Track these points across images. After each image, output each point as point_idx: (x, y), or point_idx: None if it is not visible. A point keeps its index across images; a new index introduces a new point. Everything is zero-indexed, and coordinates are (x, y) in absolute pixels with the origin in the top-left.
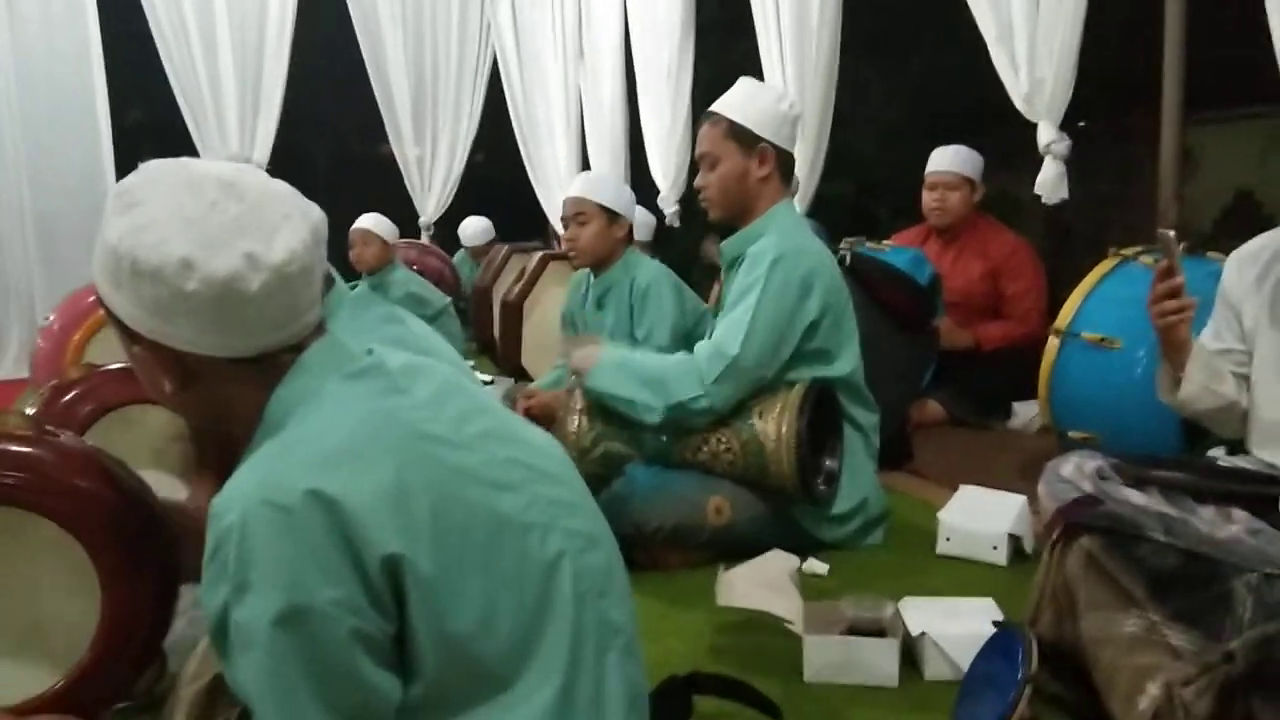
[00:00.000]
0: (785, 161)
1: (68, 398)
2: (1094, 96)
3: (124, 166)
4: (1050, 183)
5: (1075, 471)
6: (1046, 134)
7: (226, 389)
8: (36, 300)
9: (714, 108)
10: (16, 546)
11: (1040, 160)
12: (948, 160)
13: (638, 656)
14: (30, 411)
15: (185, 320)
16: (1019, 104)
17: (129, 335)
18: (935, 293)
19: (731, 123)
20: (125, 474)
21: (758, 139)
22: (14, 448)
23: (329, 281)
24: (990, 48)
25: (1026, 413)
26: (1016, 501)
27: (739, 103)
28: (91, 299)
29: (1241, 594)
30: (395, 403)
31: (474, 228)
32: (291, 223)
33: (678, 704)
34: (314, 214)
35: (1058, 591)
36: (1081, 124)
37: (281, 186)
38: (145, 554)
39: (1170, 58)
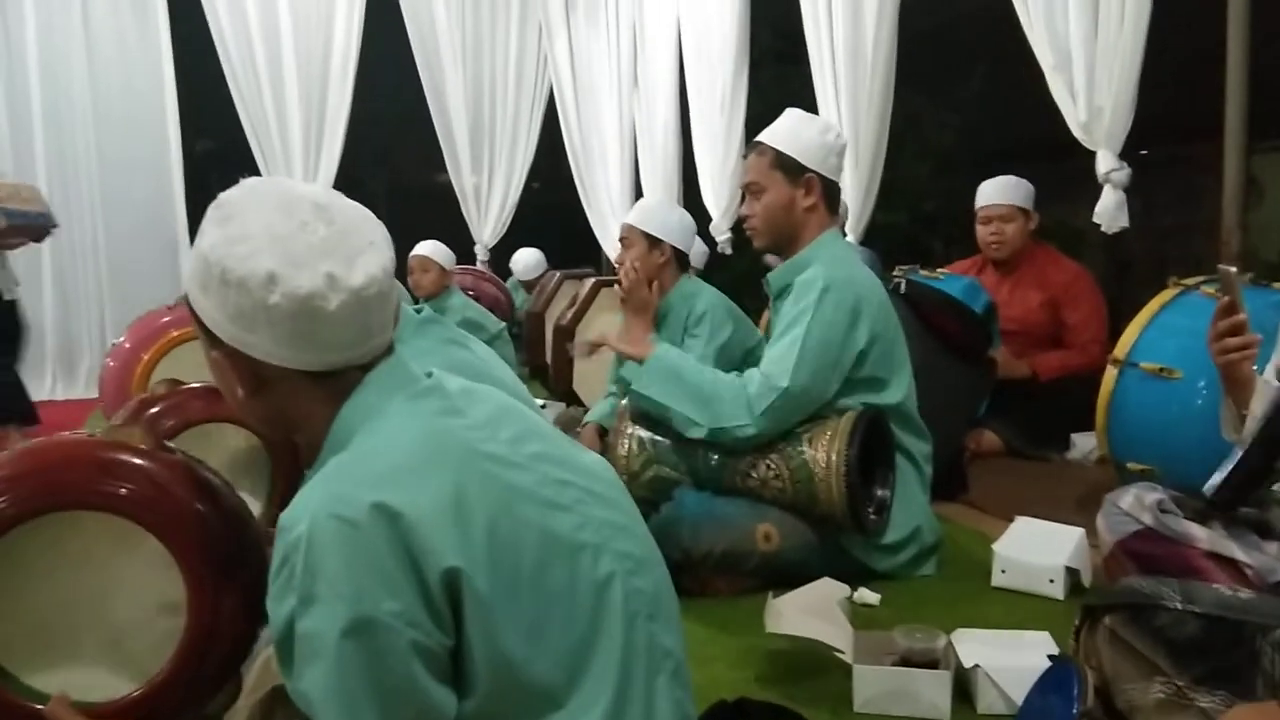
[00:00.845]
0: (831, 191)
1: (151, 412)
2: (1156, 124)
3: (193, 194)
4: (1109, 212)
5: (1135, 504)
6: (1105, 162)
7: (295, 400)
8: (107, 324)
9: (760, 138)
10: (115, 552)
11: (1100, 189)
12: (999, 192)
13: (686, 682)
14: (116, 423)
15: (264, 331)
16: (1077, 132)
17: (210, 339)
18: (991, 321)
19: (778, 153)
20: (226, 491)
21: (804, 169)
22: (124, 458)
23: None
24: (1047, 75)
25: (1085, 444)
26: (1074, 534)
27: (785, 133)
28: (164, 320)
29: (1268, 651)
30: (454, 423)
31: (525, 261)
32: (375, 249)
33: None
34: (388, 238)
35: (1091, 668)
36: (1143, 152)
37: (367, 214)
38: (235, 573)
39: (1233, 84)
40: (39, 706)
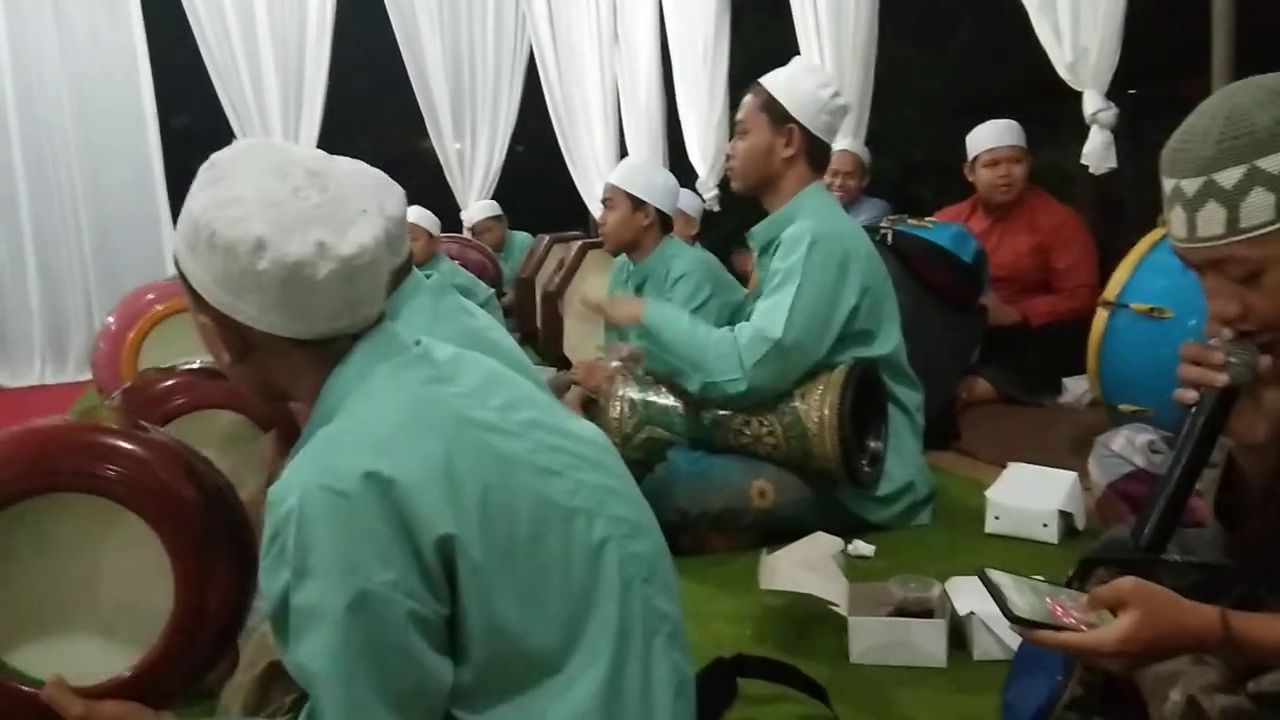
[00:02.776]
0: (815, 147)
1: (147, 396)
2: (1144, 64)
3: (172, 171)
4: (1097, 153)
5: (1126, 446)
6: (1092, 103)
7: (282, 366)
8: (94, 304)
9: (761, 80)
10: (100, 534)
11: (1088, 131)
12: (1004, 134)
13: (684, 644)
14: (109, 404)
15: (252, 296)
16: (1063, 73)
17: (198, 303)
18: (981, 269)
19: (769, 97)
20: (209, 471)
21: (789, 117)
22: (106, 439)
23: (405, 269)
24: (1032, 17)
25: (1077, 388)
26: (1067, 478)
27: (782, 80)
28: (149, 297)
29: (1265, 596)
30: (442, 390)
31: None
32: (367, 218)
33: (723, 686)
34: (391, 209)
35: None
36: (1131, 92)
37: (366, 181)
38: (222, 551)
39: (1220, 20)
40: (34, 690)
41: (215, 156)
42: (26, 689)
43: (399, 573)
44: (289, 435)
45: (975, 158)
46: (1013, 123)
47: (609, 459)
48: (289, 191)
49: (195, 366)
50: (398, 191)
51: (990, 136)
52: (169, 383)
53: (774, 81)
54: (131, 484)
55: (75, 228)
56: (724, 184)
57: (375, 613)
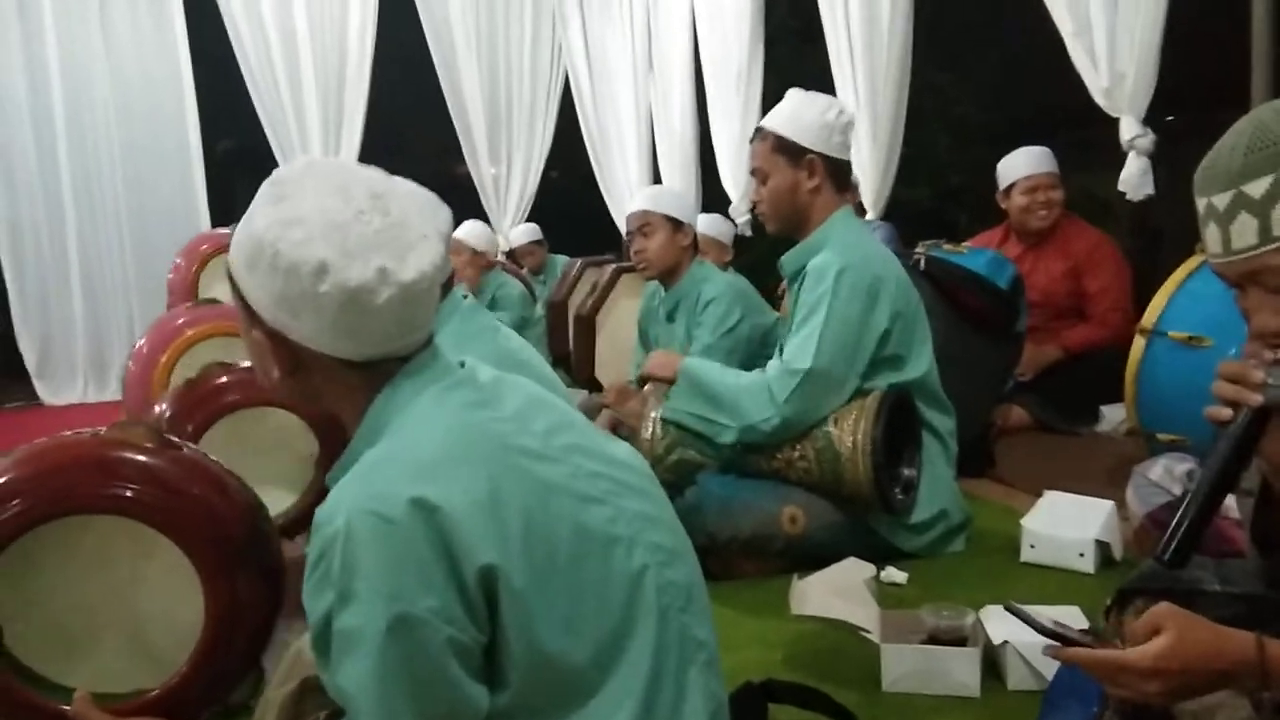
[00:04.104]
0: (837, 170)
1: (203, 391)
2: (1182, 90)
3: (215, 193)
4: (1134, 179)
5: (1164, 475)
6: (1129, 129)
7: (330, 384)
8: (136, 325)
9: (762, 123)
10: (130, 551)
11: (1124, 157)
12: (1040, 161)
13: (718, 672)
14: (162, 409)
15: (309, 317)
16: (1099, 99)
17: (251, 318)
18: (1017, 295)
19: (778, 137)
20: (240, 488)
21: (805, 151)
22: (137, 458)
23: (446, 287)
24: (1067, 42)
25: (1115, 416)
26: (1104, 507)
27: (785, 116)
28: (180, 321)
29: None
30: (485, 415)
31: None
32: (427, 243)
33: (753, 711)
34: (446, 230)
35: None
36: (1169, 118)
37: (424, 204)
38: (249, 564)
39: (1259, 48)
40: (64, 706)
41: (278, 173)
42: (57, 704)
43: (441, 600)
44: (336, 441)
45: (1011, 185)
46: (1046, 149)
47: (648, 485)
48: (352, 214)
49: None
50: (446, 211)
51: (1027, 164)
52: (224, 379)
53: (777, 120)
54: (156, 504)
55: (119, 248)
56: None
57: (415, 638)
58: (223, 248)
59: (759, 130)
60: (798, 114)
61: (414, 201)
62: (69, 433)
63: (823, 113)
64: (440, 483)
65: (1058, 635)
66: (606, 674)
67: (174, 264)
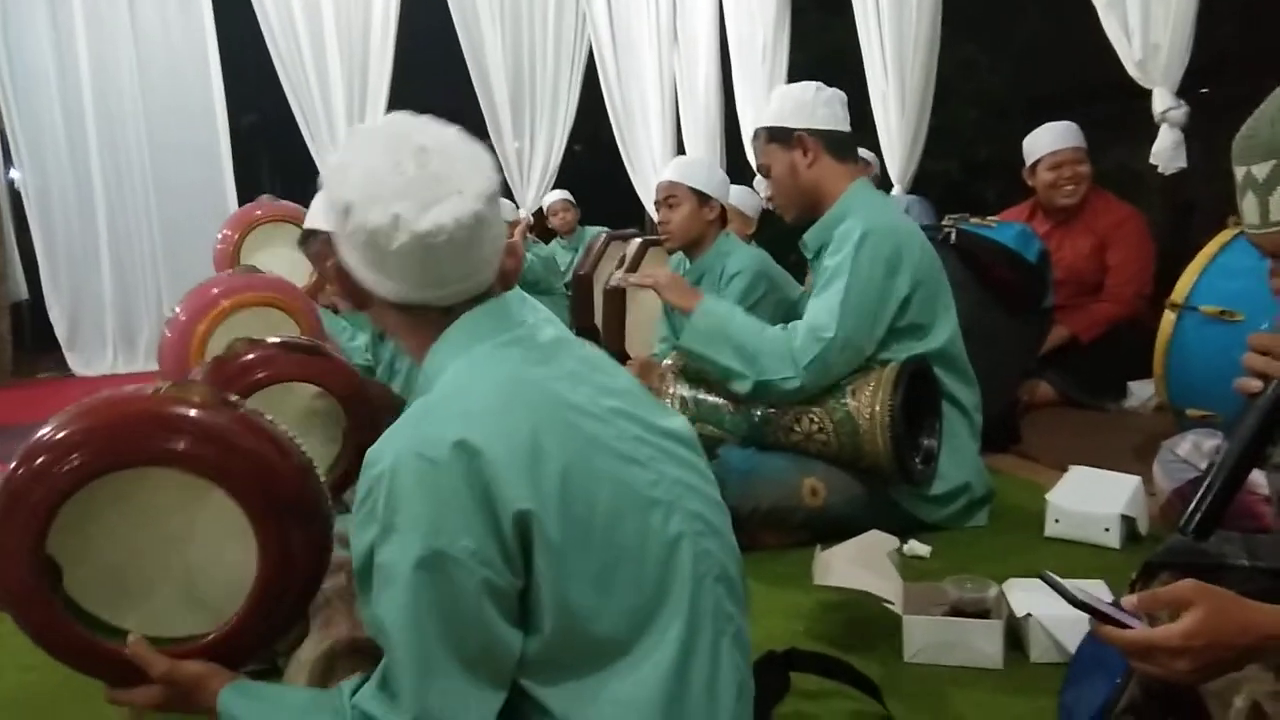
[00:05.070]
0: (831, 140)
1: (232, 368)
2: (1216, 62)
3: (240, 168)
4: (1167, 152)
5: (1192, 450)
6: (1162, 101)
7: (388, 322)
8: (164, 297)
9: (756, 126)
10: (185, 502)
11: (1157, 130)
12: (1066, 136)
13: (747, 646)
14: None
15: (351, 253)
16: (1132, 71)
17: (334, 250)
18: (1045, 269)
19: (767, 129)
20: (292, 445)
21: (791, 131)
22: (192, 413)
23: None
24: (1100, 13)
25: (1143, 392)
26: (1130, 482)
27: (771, 109)
28: (215, 291)
29: None
30: (539, 372)
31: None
32: (458, 199)
33: (775, 680)
34: (485, 190)
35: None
36: (1203, 91)
37: (471, 163)
38: (301, 518)
39: None
40: (119, 646)
41: (360, 125)
42: (113, 646)
43: (478, 542)
44: (364, 415)
45: (1037, 161)
46: (1072, 124)
47: (694, 457)
48: (390, 165)
49: (280, 340)
50: (492, 173)
51: (1051, 140)
52: (253, 355)
53: (765, 117)
54: (210, 457)
55: (147, 223)
56: None
57: (451, 576)
58: (264, 219)
59: (755, 133)
60: (780, 103)
61: (462, 160)
62: (130, 388)
63: (800, 92)
64: (483, 429)
65: (1089, 608)
66: (639, 635)
67: (221, 234)
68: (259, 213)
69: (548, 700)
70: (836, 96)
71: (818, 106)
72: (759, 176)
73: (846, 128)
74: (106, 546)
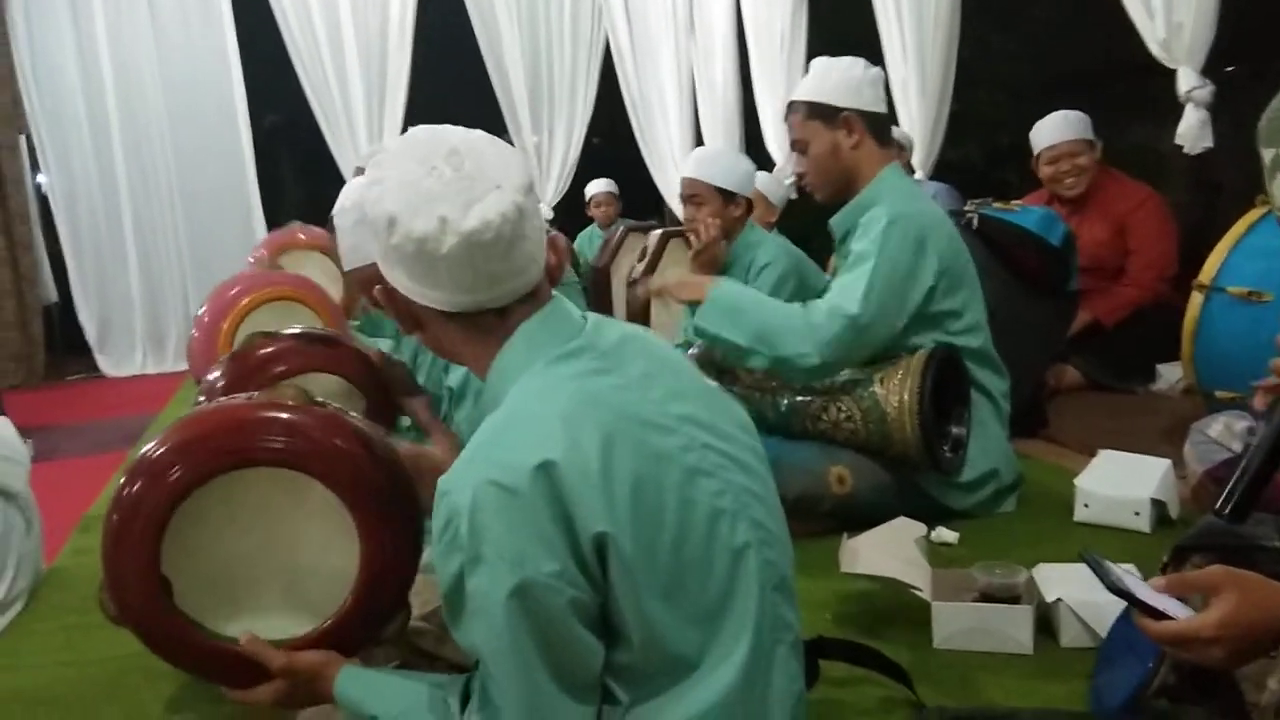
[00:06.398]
0: (875, 123)
1: (252, 361)
2: (1242, 39)
3: (262, 168)
4: (1192, 132)
5: (1224, 432)
6: (1186, 80)
7: (445, 337)
8: (190, 298)
9: (792, 96)
10: (287, 503)
11: (1182, 110)
12: (1063, 128)
13: (801, 655)
14: (214, 377)
15: (398, 269)
16: (1155, 50)
17: (380, 276)
18: (1070, 252)
19: (809, 103)
20: (377, 438)
21: (838, 110)
22: (282, 415)
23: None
24: None
25: (1172, 375)
26: (1160, 465)
27: (813, 83)
28: (234, 291)
29: None
30: (606, 382)
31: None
32: (498, 194)
33: (805, 668)
34: (522, 183)
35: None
36: (1229, 69)
37: (504, 159)
38: (397, 511)
39: None
40: (234, 645)
41: (383, 145)
42: (230, 647)
43: (561, 563)
44: (382, 402)
45: (1039, 154)
46: (1071, 114)
47: (755, 460)
48: (425, 171)
49: (298, 331)
50: (524, 166)
51: (1050, 133)
52: (271, 348)
53: (806, 89)
54: (307, 453)
55: (172, 224)
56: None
57: (541, 602)
58: (299, 244)
59: (791, 104)
60: (824, 77)
61: (493, 157)
62: (223, 399)
63: (848, 70)
64: (556, 453)
65: (1127, 595)
66: (705, 646)
67: (255, 254)
68: (301, 236)
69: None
70: (880, 76)
71: (864, 86)
72: (778, 166)
73: (885, 109)
74: (213, 554)
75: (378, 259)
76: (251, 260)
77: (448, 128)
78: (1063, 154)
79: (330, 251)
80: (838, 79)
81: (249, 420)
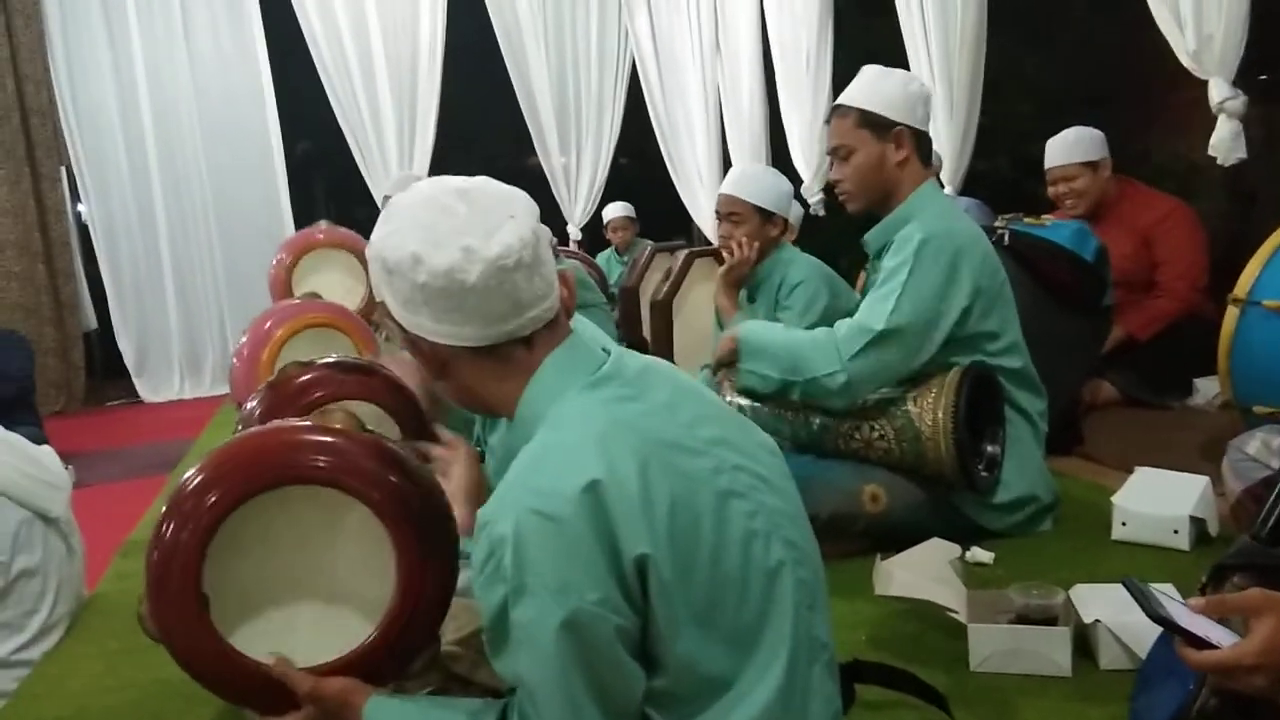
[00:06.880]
0: (921, 142)
1: (288, 391)
2: (1275, 48)
3: (295, 194)
4: (1225, 143)
5: (1262, 448)
6: (1219, 91)
7: (473, 379)
8: (227, 323)
9: (841, 99)
10: (323, 526)
11: (1215, 121)
12: (1063, 151)
13: (836, 674)
14: (251, 406)
15: (424, 311)
16: (1186, 62)
17: (400, 329)
18: (1103, 267)
19: (862, 111)
20: (418, 465)
21: (892, 124)
22: (321, 438)
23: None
24: (1151, 4)
25: (1210, 389)
26: (1198, 483)
27: (866, 90)
28: (268, 324)
29: None
30: (634, 409)
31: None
32: (512, 223)
33: (840, 692)
34: (529, 211)
35: None
36: (1262, 78)
37: (508, 194)
38: (433, 539)
39: None
40: (265, 666)
41: (392, 200)
42: (262, 671)
43: (605, 590)
44: (416, 429)
45: (1045, 173)
46: (1073, 135)
47: (784, 481)
48: (438, 211)
49: (333, 360)
50: (528, 200)
51: (1051, 155)
52: (307, 377)
53: (859, 96)
54: (345, 472)
55: (209, 251)
56: (828, 188)
57: (589, 630)
58: (322, 243)
59: (839, 108)
60: (878, 88)
61: (499, 191)
62: (269, 423)
63: (904, 84)
64: (600, 472)
65: (1168, 623)
66: (740, 668)
67: (276, 258)
68: (320, 236)
69: None
70: (928, 96)
71: (917, 104)
72: (805, 184)
73: (929, 129)
74: (246, 573)
75: (398, 308)
76: (274, 266)
77: (446, 176)
78: (1059, 178)
79: (353, 247)
80: (892, 92)
81: (279, 442)
